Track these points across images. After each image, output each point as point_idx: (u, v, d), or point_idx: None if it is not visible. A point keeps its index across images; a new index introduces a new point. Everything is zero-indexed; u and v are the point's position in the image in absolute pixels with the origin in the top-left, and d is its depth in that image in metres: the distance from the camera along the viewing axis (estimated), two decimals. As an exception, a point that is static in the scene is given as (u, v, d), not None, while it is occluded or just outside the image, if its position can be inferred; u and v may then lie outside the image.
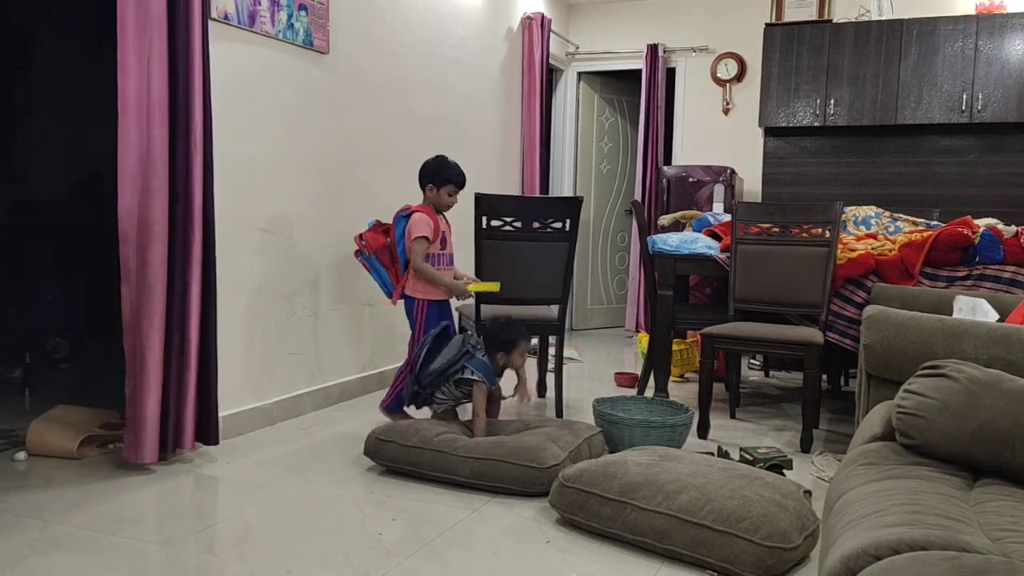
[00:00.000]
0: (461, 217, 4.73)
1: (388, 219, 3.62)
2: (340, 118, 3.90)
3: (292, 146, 3.60)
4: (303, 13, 3.57)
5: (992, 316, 2.91)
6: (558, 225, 3.84)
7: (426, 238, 3.44)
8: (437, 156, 3.64)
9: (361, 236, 3.51)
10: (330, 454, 3.13)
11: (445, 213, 3.64)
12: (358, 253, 3.52)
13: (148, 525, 2.39)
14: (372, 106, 4.14)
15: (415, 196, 4.53)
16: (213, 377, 2.93)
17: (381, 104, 4.21)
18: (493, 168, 5.54)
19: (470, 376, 3.12)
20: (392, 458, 2.87)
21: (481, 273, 3.68)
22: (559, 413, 3.77)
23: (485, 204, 3.70)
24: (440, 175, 3.54)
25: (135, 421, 2.77)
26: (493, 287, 3.53)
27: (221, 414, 3.18)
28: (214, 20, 3.13)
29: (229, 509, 2.55)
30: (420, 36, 4.53)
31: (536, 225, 3.78)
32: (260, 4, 3.34)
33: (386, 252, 3.53)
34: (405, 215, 3.52)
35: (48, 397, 3.83)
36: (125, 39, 2.65)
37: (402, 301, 3.55)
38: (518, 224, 3.73)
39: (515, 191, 5.87)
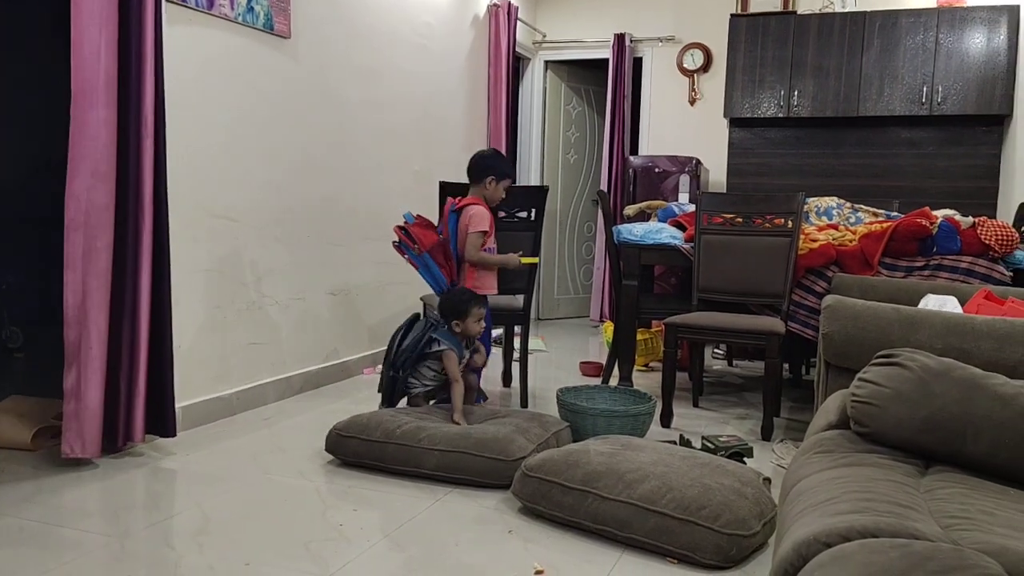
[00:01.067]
0: (426, 207, 4.71)
1: (382, 210, 3.58)
2: (302, 104, 3.85)
3: (252, 132, 3.55)
4: (264, -3, 3.51)
5: (959, 312, 2.96)
6: (524, 214, 3.84)
7: (484, 232, 3.46)
8: (492, 150, 3.68)
9: (404, 229, 3.39)
10: (292, 445, 3.10)
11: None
12: (401, 248, 3.41)
13: (104, 518, 2.34)
14: (335, 92, 4.09)
15: (379, 183, 4.52)
16: (168, 368, 2.88)
17: (344, 90, 4.17)
18: (459, 156, 5.50)
19: (437, 347, 3.14)
20: (355, 454, 2.84)
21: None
22: (524, 403, 3.77)
23: (450, 193, 3.68)
24: (501, 169, 3.56)
25: (77, 414, 2.69)
26: (534, 260, 3.64)
27: (179, 405, 3.14)
28: (171, 2, 3.06)
29: (187, 501, 2.51)
30: (385, 22, 4.49)
31: (502, 215, 3.78)
32: (219, -13, 3.27)
33: (439, 250, 3.44)
34: (457, 209, 3.51)
35: (2, 387, 3.75)
36: (79, 21, 2.58)
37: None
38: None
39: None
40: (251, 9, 3.45)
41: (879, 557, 0.98)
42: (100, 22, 2.61)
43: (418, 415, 3.02)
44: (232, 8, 3.36)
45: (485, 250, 3.49)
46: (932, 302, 2.88)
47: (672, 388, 3.60)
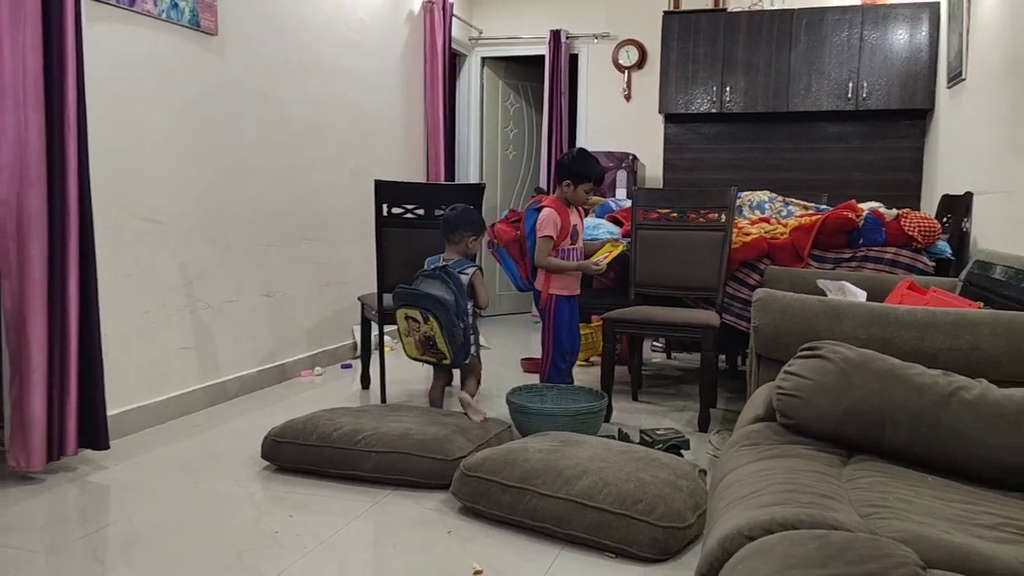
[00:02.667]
0: (364, 206, 4.65)
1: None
2: (231, 102, 3.76)
3: (181, 131, 3.45)
4: (188, -8, 3.42)
5: (860, 295, 3.05)
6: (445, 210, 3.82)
7: (550, 237, 3.40)
8: (578, 150, 3.57)
9: (493, 227, 3.46)
10: (226, 452, 3.03)
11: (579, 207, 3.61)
12: (491, 245, 3.50)
13: (30, 533, 2.26)
14: (265, 89, 4.01)
15: (314, 181, 4.45)
16: (99, 378, 2.79)
17: (275, 87, 4.08)
18: (396, 154, 5.46)
19: (464, 273, 3.22)
20: (291, 459, 2.79)
21: (383, 262, 3.63)
22: (441, 406, 3.75)
23: (385, 191, 3.64)
24: (578, 172, 3.45)
25: (22, 425, 2.60)
26: (619, 248, 3.57)
27: (108, 414, 3.04)
28: (92, 0, 2.96)
29: (116, 513, 2.43)
30: (316, 18, 4.41)
31: (439, 212, 3.75)
32: (141, -18, 3.17)
33: (516, 246, 3.49)
34: (536, 208, 3.47)
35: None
36: (0, 22, 2.48)
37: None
38: (420, 212, 3.69)
39: (420, 178, 5.81)
40: (175, 5, 3.36)
41: (798, 549, 1.00)
42: (22, 21, 2.51)
43: (355, 415, 2.98)
44: (155, 5, 3.26)
45: (561, 252, 3.44)
46: (831, 287, 2.97)
47: (611, 383, 3.63)
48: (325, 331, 4.60)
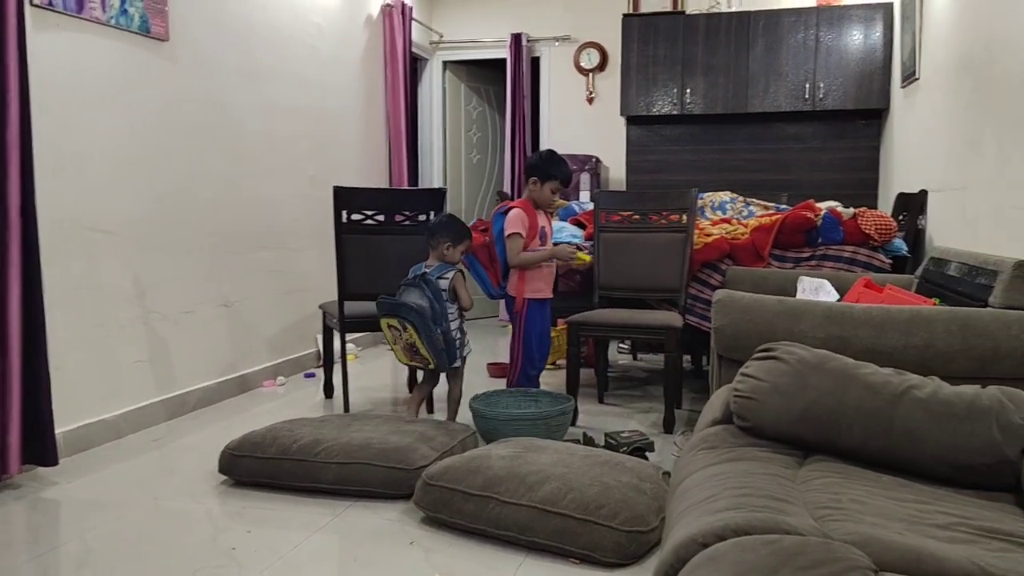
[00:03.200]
0: (324, 213, 4.60)
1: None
2: (184, 109, 3.69)
3: (132, 140, 3.38)
4: (138, -2, 3.35)
5: (833, 296, 3.08)
6: (423, 218, 3.79)
7: (519, 234, 3.40)
8: (547, 150, 3.59)
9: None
10: (183, 466, 2.97)
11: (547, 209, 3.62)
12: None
13: (-28, 559, 2.18)
14: (219, 96, 3.94)
15: (272, 189, 4.39)
16: (45, 393, 2.71)
17: (231, 94, 4.02)
18: (358, 160, 5.41)
19: (445, 277, 3.27)
20: (249, 473, 2.74)
21: (344, 269, 3.59)
22: (431, 409, 3.72)
23: (344, 198, 3.60)
24: (544, 169, 3.45)
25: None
26: (586, 258, 3.57)
27: (61, 430, 2.97)
28: (36, 7, 2.88)
29: (69, 532, 2.37)
30: (271, 24, 4.35)
31: (399, 218, 3.72)
32: (88, -12, 3.10)
33: (484, 251, 3.50)
34: (503, 212, 3.47)
35: None
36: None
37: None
38: (380, 218, 3.65)
39: (383, 184, 5.76)
40: (125, 11, 3.29)
41: (750, 555, 0.99)
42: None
43: (316, 425, 2.93)
44: (104, 11, 3.19)
45: (529, 252, 3.45)
46: (807, 285, 2.98)
47: (576, 386, 3.62)
48: (287, 340, 4.54)
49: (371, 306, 3.70)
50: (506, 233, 3.42)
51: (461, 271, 3.29)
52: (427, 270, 3.26)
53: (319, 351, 4.70)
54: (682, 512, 1.29)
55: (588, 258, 3.58)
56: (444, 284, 3.23)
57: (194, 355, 3.77)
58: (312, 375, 4.54)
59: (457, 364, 3.30)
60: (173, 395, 3.62)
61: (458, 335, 3.29)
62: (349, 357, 4.59)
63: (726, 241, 3.84)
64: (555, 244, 3.86)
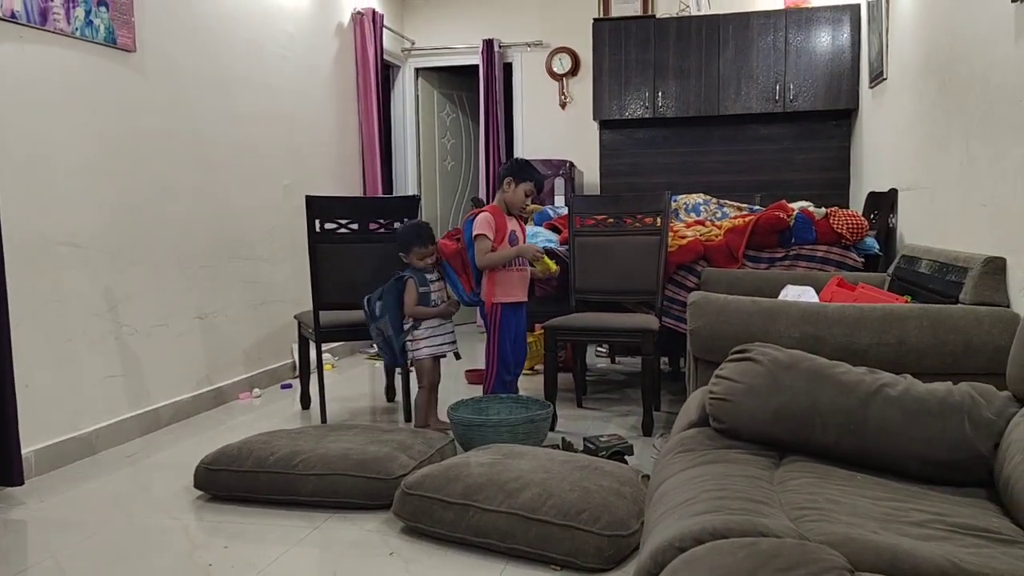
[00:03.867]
0: (298, 222, 4.57)
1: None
2: (153, 120, 3.65)
3: (99, 151, 3.33)
4: (103, 9, 3.31)
5: (815, 299, 3.09)
6: (396, 225, 3.77)
7: (485, 236, 3.43)
8: (522, 159, 3.73)
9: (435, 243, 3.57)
10: (158, 482, 2.92)
11: (521, 215, 3.69)
12: (438, 260, 3.56)
13: (-60, 583, 2.14)
14: (190, 106, 3.90)
15: (246, 199, 4.35)
16: (10, 411, 2.66)
17: (200, 104, 3.98)
18: (331, 169, 5.38)
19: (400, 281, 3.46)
20: (226, 487, 2.70)
21: (318, 279, 3.56)
22: (408, 418, 3.71)
23: (317, 207, 3.58)
24: (521, 172, 3.51)
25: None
26: (552, 266, 3.57)
27: (31, 448, 2.92)
28: (-2, 19, 2.84)
29: (40, 552, 2.32)
30: (239, 33, 4.32)
31: (373, 226, 3.70)
32: (53, 0, 3.06)
33: (458, 258, 3.57)
34: (472, 218, 3.51)
35: None
36: None
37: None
38: (354, 226, 3.64)
39: (357, 192, 5.74)
40: (90, 23, 3.25)
41: (727, 559, 0.98)
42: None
43: (293, 437, 2.90)
44: (69, 22, 3.14)
45: (495, 253, 3.48)
46: (791, 292, 3.00)
47: (555, 391, 3.61)
48: (263, 351, 4.50)
49: (347, 315, 3.69)
50: (473, 235, 3.43)
51: (412, 277, 3.40)
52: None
53: (295, 362, 4.66)
54: (660, 516, 1.28)
55: (555, 267, 3.57)
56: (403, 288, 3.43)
57: (168, 369, 3.72)
58: (288, 386, 4.50)
59: (394, 362, 3.56)
60: (147, 410, 3.57)
61: (402, 337, 3.44)
62: (325, 367, 4.56)
63: (700, 243, 3.86)
64: None
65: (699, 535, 1.09)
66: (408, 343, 3.44)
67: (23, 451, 2.91)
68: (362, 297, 3.48)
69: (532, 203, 4.78)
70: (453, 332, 3.52)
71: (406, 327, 3.44)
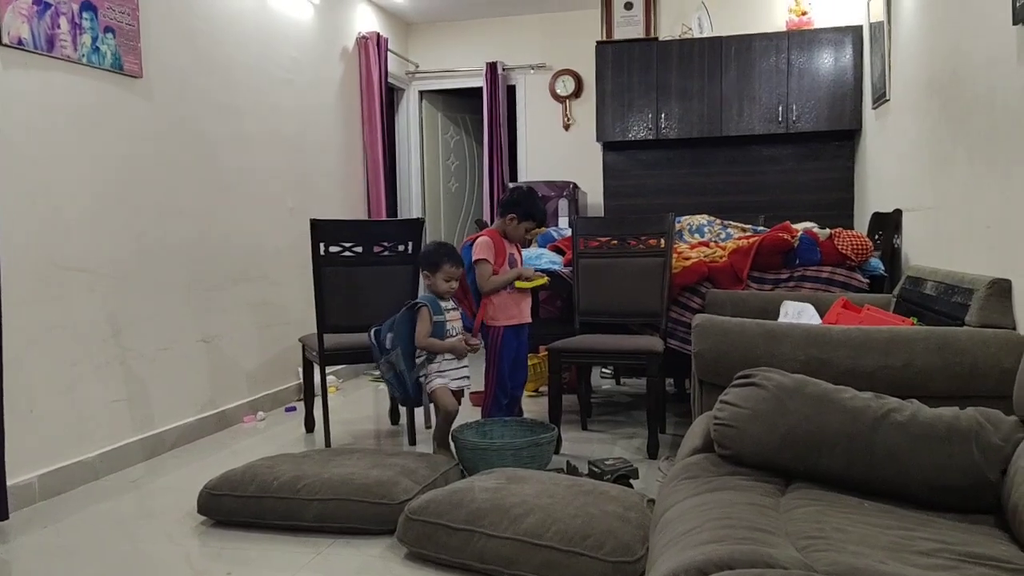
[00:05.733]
0: (303, 245, 4.58)
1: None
2: (160, 144, 3.68)
3: (106, 176, 3.36)
4: (110, 35, 3.34)
5: (815, 320, 3.08)
6: (401, 248, 3.78)
7: (485, 260, 3.44)
8: (527, 189, 3.67)
9: None
10: (161, 507, 2.91)
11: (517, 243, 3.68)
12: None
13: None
14: (196, 131, 3.93)
15: (251, 222, 4.37)
16: (-2, 445, 2.63)
17: (206, 128, 4.01)
18: (336, 192, 5.41)
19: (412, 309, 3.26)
20: (229, 512, 2.69)
21: (323, 302, 3.57)
22: (412, 441, 3.69)
23: (322, 230, 3.58)
24: (524, 208, 3.52)
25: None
26: (542, 280, 3.59)
27: (34, 474, 2.92)
28: (5, 46, 2.87)
29: (42, 581, 2.31)
30: (245, 57, 4.35)
31: (378, 249, 3.71)
32: (59, 27, 3.09)
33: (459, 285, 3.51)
34: (471, 244, 3.51)
35: None
36: None
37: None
38: (358, 249, 3.64)
39: (361, 214, 5.75)
40: (96, 49, 3.28)
41: (733, 591, 0.97)
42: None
43: (297, 461, 2.89)
44: (75, 49, 3.17)
45: (497, 276, 3.49)
46: (791, 309, 2.99)
47: (559, 414, 3.60)
48: (267, 374, 4.50)
49: (351, 338, 3.69)
50: (473, 260, 3.44)
51: (427, 304, 3.21)
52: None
53: (300, 385, 4.65)
54: (664, 545, 1.27)
55: (544, 279, 3.60)
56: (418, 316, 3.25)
57: (172, 393, 3.72)
58: (293, 409, 4.50)
59: (402, 397, 3.29)
60: (151, 434, 3.56)
61: (415, 371, 3.22)
62: (330, 390, 4.55)
63: (705, 264, 3.86)
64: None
65: (704, 566, 1.08)
66: (421, 378, 3.23)
67: (27, 477, 2.91)
68: (368, 321, 3.42)
69: (533, 233, 4.81)
70: (468, 368, 3.33)
71: (418, 360, 3.22)
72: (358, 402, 4.74)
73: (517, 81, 6.52)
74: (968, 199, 2.88)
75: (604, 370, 5.40)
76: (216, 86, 4.09)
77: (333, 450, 3.13)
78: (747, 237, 4.18)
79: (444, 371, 3.24)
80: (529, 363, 4.64)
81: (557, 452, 3.51)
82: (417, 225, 3.76)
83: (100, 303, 3.31)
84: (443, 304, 3.24)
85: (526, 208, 3.52)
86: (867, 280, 3.78)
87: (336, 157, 5.40)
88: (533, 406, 4.45)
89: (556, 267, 4.11)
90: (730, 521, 1.26)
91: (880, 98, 4.53)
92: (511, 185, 6.07)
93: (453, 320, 3.28)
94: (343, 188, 5.51)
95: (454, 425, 3.23)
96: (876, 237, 4.23)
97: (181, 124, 3.82)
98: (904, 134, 3.98)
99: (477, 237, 3.53)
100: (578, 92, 6.37)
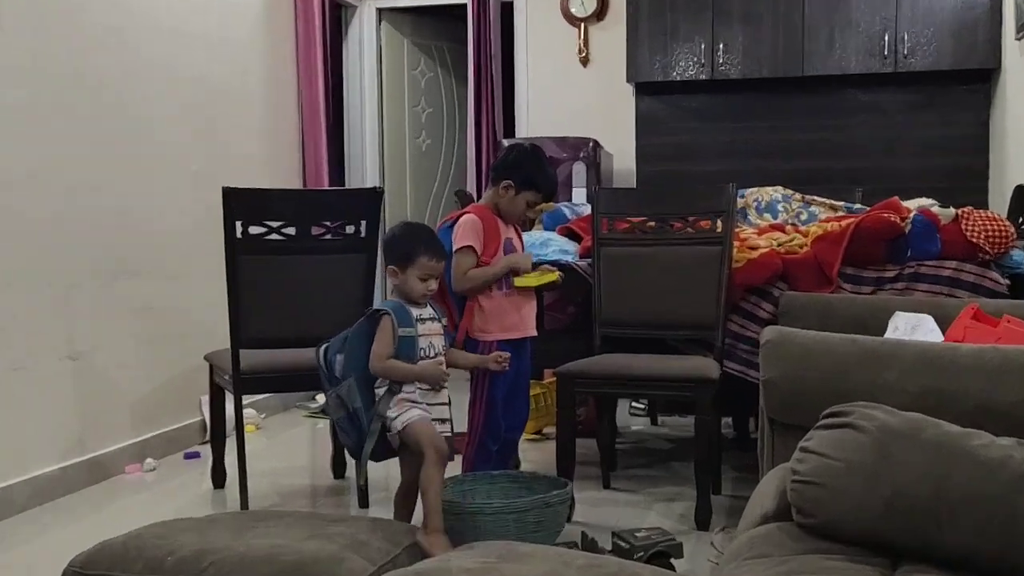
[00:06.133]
0: (210, 224, 4.56)
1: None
2: (9, 85, 3.67)
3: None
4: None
5: (936, 335, 3.09)
6: (350, 229, 3.77)
7: (470, 248, 3.37)
8: (530, 146, 3.59)
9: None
10: (9, 592, 2.91)
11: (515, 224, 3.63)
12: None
13: None
14: (64, 63, 3.93)
15: (138, 193, 4.36)
16: None
17: (76, 63, 4.01)
18: (260, 149, 5.41)
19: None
20: (104, 602, 2.69)
21: (240, 305, 3.57)
22: (364, 502, 3.69)
23: (239, 203, 3.57)
24: (525, 172, 3.45)
25: None
26: (552, 276, 3.52)
27: None
28: None
29: None
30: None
31: (318, 231, 3.70)
32: None
33: None
34: (451, 224, 3.47)
35: None
36: None
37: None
38: (291, 231, 3.63)
39: (295, 183, 5.76)
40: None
41: None
42: None
43: (202, 529, 2.89)
44: None
45: (503, 280, 3.44)
46: (901, 322, 3.00)
47: (572, 465, 3.60)
48: (159, 406, 4.50)
49: (279, 356, 3.68)
50: (454, 247, 3.41)
51: (389, 312, 3.00)
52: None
53: (205, 421, 4.65)
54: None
55: (555, 275, 3.53)
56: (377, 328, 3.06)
57: (26, 430, 3.73)
58: (196, 455, 4.51)
59: (363, 449, 3.02)
60: (-5, 489, 3.57)
61: (373, 411, 2.99)
62: (248, 429, 4.54)
63: (778, 256, 3.87)
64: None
65: None
66: (388, 418, 2.99)
67: None
68: (303, 333, 3.41)
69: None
70: (448, 407, 3.10)
71: (378, 390, 3.01)
72: (288, 446, 4.74)
73: (516, -4, 6.54)
74: None
75: (635, 404, 5.42)
76: (90, 4, 4.09)
77: (252, 513, 3.13)
78: (838, 219, 4.20)
79: (417, 401, 3.10)
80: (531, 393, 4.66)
81: (569, 519, 3.51)
82: (374, 197, 3.76)
83: (-76, 304, 3.31)
84: (415, 312, 3.15)
85: (527, 173, 3.48)
86: (1007, 280, 3.79)
87: (260, 102, 5.41)
88: (534, 454, 4.46)
89: (568, 258, 4.11)
90: (815, 618, 1.26)
91: (1026, 26, 4.55)
92: (507, 143, 6.07)
93: (430, 334, 3.11)
94: (270, 145, 5.51)
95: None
96: (1021, 221, 4.24)
97: (41, 55, 3.82)
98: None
99: (460, 215, 3.51)
100: (601, 12, 6.38)
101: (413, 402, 3.00)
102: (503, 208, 3.52)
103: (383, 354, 2.97)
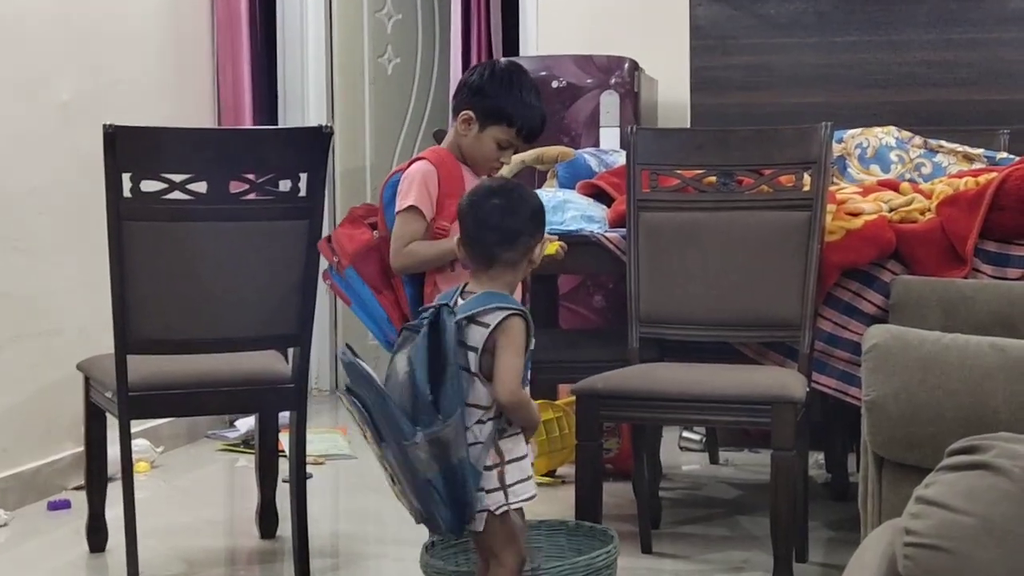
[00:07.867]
0: (86, 177, 4.58)
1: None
2: None
3: None
4: None
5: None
6: (286, 186, 3.78)
7: (415, 209, 3.35)
8: (507, 62, 3.72)
9: (329, 238, 3.50)
10: None
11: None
12: (328, 271, 3.51)
13: None
14: None
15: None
16: None
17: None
18: (153, 73, 5.42)
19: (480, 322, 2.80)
20: None
21: (128, 292, 3.58)
22: (304, 570, 3.71)
23: (127, 148, 3.58)
24: (486, 98, 3.45)
25: None
26: (551, 249, 3.39)
27: None
28: None
29: None
30: None
31: (238, 187, 3.71)
32: None
33: (374, 258, 3.47)
34: (399, 176, 3.51)
35: None
36: None
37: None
38: (200, 187, 3.64)
39: (208, 122, 5.77)
40: None
41: None
42: None
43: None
44: None
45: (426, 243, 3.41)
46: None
47: (598, 515, 3.61)
48: (12, 436, 4.51)
49: (183, 365, 3.69)
50: (396, 207, 3.41)
51: (523, 313, 2.85)
52: (460, 301, 2.91)
53: (79, 455, 4.67)
54: None
55: (555, 247, 3.45)
56: (480, 336, 2.86)
57: None
58: (64, 505, 4.53)
59: (475, 524, 2.81)
60: None
61: (487, 458, 2.85)
62: (139, 468, 4.56)
63: (890, 226, 3.87)
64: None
65: None
66: (478, 469, 2.79)
67: None
68: (220, 331, 3.45)
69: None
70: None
71: (477, 432, 2.79)
72: (196, 492, 4.77)
73: None
74: None
75: (687, 435, 5.44)
76: None
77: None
78: (973, 173, 4.20)
79: (520, 457, 2.88)
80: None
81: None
82: (318, 139, 3.76)
83: None
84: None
85: (494, 99, 3.47)
86: None
87: (154, 6, 5.41)
88: (544, 504, 4.45)
89: (594, 228, 4.12)
90: None
91: None
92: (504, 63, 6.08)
93: None
94: (171, 67, 5.52)
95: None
96: None
97: None
98: None
99: (405, 167, 3.51)
100: None
101: (517, 463, 2.86)
102: (466, 150, 3.51)
103: (513, 377, 2.83)
